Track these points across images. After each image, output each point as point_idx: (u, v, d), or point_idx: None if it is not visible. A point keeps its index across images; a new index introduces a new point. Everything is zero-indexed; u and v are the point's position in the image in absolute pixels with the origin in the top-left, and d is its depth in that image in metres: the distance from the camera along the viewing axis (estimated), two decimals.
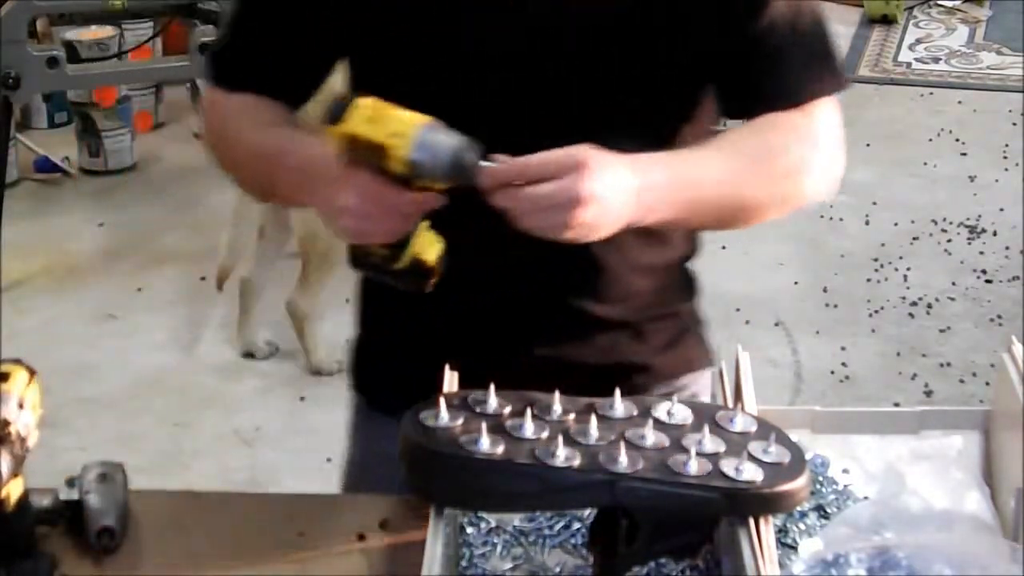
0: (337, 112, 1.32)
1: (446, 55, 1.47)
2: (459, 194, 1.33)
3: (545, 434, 1.27)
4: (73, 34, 4.74)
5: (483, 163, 1.31)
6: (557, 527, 1.38)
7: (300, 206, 1.55)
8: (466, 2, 1.46)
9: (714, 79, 1.51)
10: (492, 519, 1.38)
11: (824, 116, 1.51)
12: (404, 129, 1.30)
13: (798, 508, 1.34)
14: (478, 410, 1.30)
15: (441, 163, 1.30)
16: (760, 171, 1.46)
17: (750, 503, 1.24)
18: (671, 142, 1.48)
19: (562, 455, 1.24)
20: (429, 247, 1.39)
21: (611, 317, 1.57)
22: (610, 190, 1.32)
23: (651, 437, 1.28)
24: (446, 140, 1.31)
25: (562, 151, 1.32)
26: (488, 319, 1.55)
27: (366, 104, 1.32)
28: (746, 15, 1.47)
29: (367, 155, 1.32)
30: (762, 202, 1.48)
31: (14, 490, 1.31)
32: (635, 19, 1.45)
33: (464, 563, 1.34)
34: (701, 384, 1.65)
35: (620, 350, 1.58)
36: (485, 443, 1.24)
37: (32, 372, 1.35)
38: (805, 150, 1.49)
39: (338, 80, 1.57)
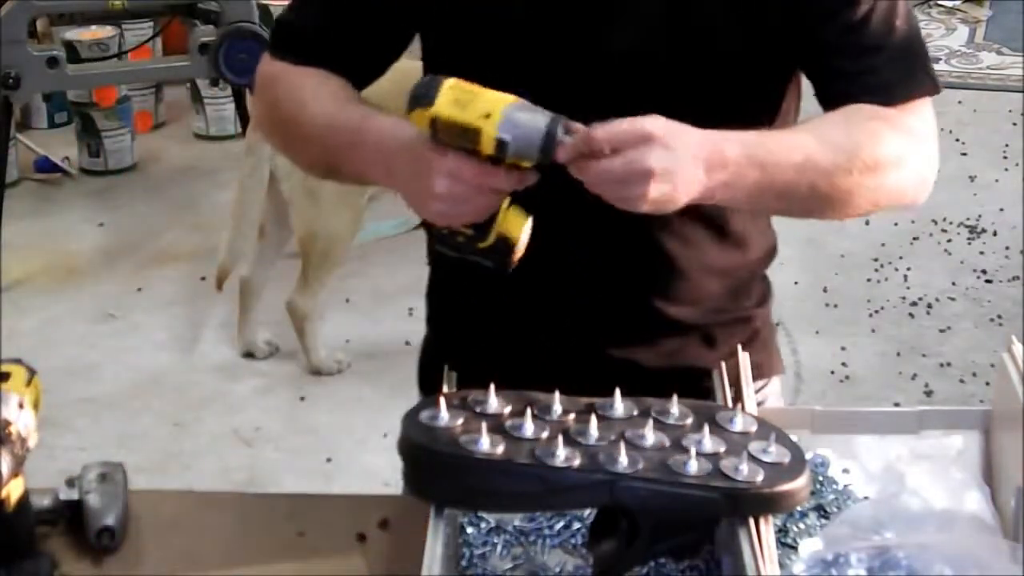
0: (422, 94, 1.31)
1: (517, 31, 1.46)
2: (540, 183, 1.32)
3: (545, 434, 1.27)
4: (73, 34, 4.74)
5: (570, 138, 1.29)
6: (557, 527, 1.38)
7: (372, 184, 1.52)
8: None
9: (809, 74, 1.49)
10: (492, 519, 1.38)
11: (920, 113, 1.46)
12: (492, 109, 1.29)
13: (798, 508, 1.34)
14: (478, 410, 1.30)
15: (531, 141, 1.29)
16: (846, 160, 1.39)
17: (750, 503, 1.23)
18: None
19: (562, 455, 1.24)
20: (515, 223, 1.37)
21: (683, 319, 1.55)
22: (679, 162, 1.29)
23: (651, 437, 1.27)
24: (535, 118, 1.29)
25: (630, 122, 1.29)
26: (558, 318, 1.54)
27: (452, 85, 1.31)
28: (840, 4, 1.44)
29: (455, 137, 1.30)
30: (848, 192, 1.40)
31: (14, 490, 1.31)
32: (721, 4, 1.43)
33: (464, 563, 1.34)
34: (770, 391, 1.64)
35: (689, 354, 1.56)
36: (485, 443, 1.24)
37: (32, 372, 1.35)
38: (898, 143, 1.42)
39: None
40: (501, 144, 1.28)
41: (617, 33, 1.44)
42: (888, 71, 1.45)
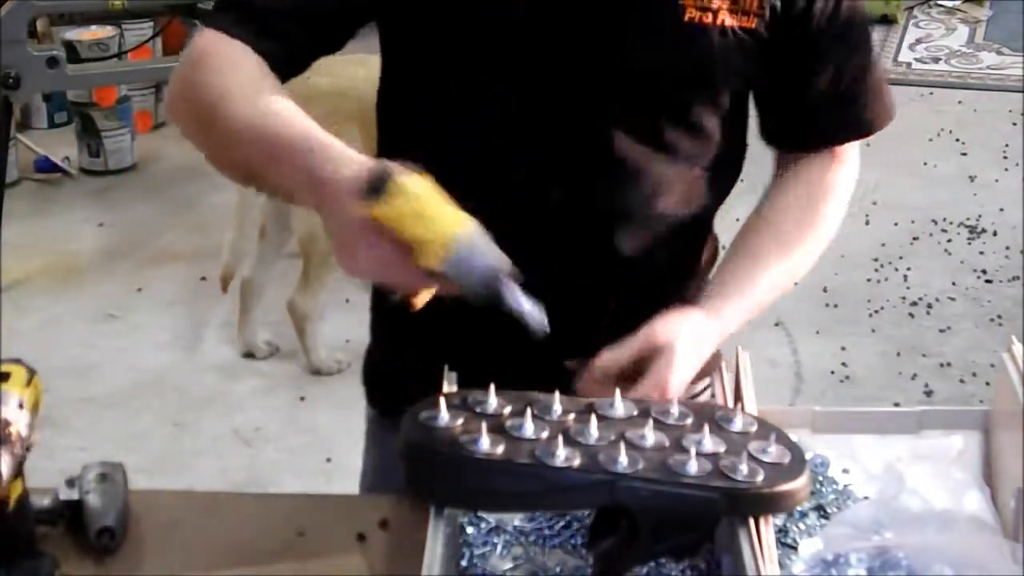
0: (377, 187, 1.22)
1: (515, 32, 1.43)
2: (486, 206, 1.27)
3: (545, 434, 1.27)
4: (73, 34, 4.74)
5: (514, 286, 1.25)
6: (557, 527, 1.38)
7: (290, 202, 1.38)
8: None
9: (766, 107, 1.54)
10: (492, 519, 1.38)
11: (853, 159, 1.59)
12: (442, 235, 1.21)
13: (798, 508, 1.34)
14: (478, 410, 1.30)
15: (470, 282, 1.23)
16: (807, 252, 1.58)
17: (750, 503, 1.23)
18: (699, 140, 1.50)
19: (562, 455, 1.24)
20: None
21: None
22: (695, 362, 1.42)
23: (651, 437, 1.27)
24: (483, 258, 1.23)
25: (642, 338, 1.38)
26: (509, 331, 1.53)
27: (408, 190, 1.22)
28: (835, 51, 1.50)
29: (399, 237, 1.23)
30: (802, 272, 1.59)
31: (14, 490, 1.31)
32: (694, 35, 1.44)
33: (464, 563, 1.34)
34: (716, 386, 1.65)
35: None
36: (485, 443, 1.24)
37: (32, 372, 1.35)
38: (838, 207, 1.59)
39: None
40: (440, 273, 1.23)
41: (616, 41, 1.44)
42: (847, 118, 1.55)
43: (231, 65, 1.38)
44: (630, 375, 1.38)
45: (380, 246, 1.23)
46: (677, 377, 1.38)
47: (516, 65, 1.43)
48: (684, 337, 1.40)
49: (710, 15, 1.42)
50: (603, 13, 1.43)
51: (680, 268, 1.57)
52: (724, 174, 1.55)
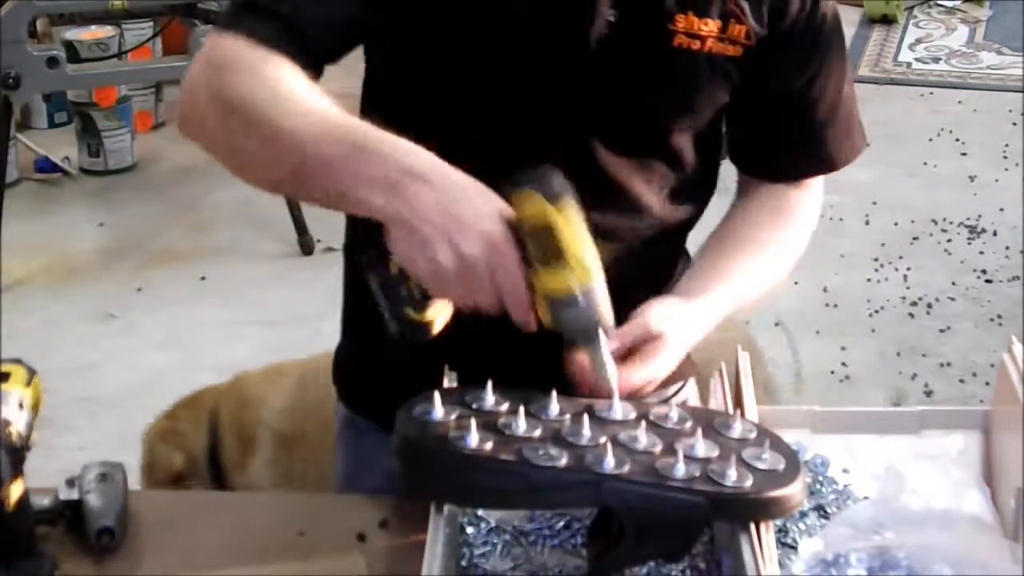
0: (555, 189, 1.22)
1: (475, 45, 1.42)
2: None
3: (537, 433, 1.26)
4: (73, 34, 4.74)
5: (606, 342, 1.28)
6: (557, 527, 1.38)
7: (338, 208, 1.30)
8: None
9: (737, 134, 1.55)
10: (492, 519, 1.38)
11: (817, 186, 1.61)
12: (586, 266, 1.22)
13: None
14: (474, 406, 1.30)
15: (577, 324, 1.26)
16: (780, 253, 1.57)
17: (737, 508, 1.23)
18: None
19: (549, 454, 1.23)
20: (443, 315, 1.31)
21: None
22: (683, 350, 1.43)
23: (643, 440, 1.27)
24: (604, 305, 1.25)
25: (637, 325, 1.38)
26: (482, 337, 1.53)
27: (575, 206, 1.23)
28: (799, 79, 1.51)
29: (538, 246, 1.22)
30: (775, 277, 1.58)
31: (14, 490, 1.31)
32: (684, 59, 1.45)
33: (464, 563, 1.34)
34: (688, 391, 1.66)
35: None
36: (474, 439, 1.24)
37: (32, 372, 1.35)
38: (804, 227, 1.60)
39: None
40: (557, 302, 1.24)
41: (603, 61, 1.43)
42: (833, 144, 1.55)
43: (273, 67, 1.31)
44: (620, 360, 1.37)
45: (503, 251, 1.22)
46: (668, 365, 1.39)
47: (500, 79, 1.43)
48: (674, 325, 1.41)
49: (698, 42, 1.44)
50: (593, 34, 1.42)
51: (652, 285, 1.56)
52: (697, 193, 1.56)
